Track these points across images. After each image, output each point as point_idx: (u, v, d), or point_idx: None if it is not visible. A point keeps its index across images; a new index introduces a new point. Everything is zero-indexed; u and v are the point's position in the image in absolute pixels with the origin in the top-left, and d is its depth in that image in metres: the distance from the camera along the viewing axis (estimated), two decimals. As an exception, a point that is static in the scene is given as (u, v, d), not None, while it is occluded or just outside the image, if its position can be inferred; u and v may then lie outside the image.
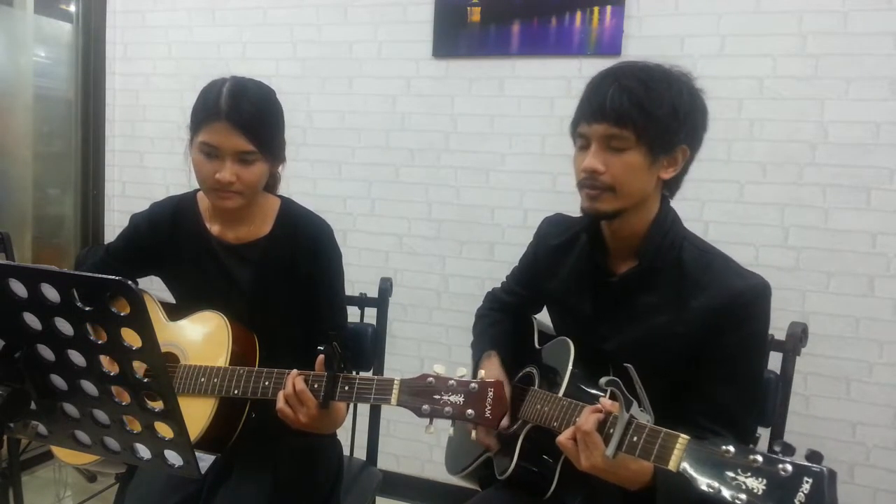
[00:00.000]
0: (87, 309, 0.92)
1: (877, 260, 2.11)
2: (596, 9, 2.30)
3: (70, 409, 1.03)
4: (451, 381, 1.16)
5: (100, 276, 0.91)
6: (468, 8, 2.44)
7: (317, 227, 1.51)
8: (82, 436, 1.05)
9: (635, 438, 0.98)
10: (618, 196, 1.20)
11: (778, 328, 1.28)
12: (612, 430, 1.01)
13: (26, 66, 2.85)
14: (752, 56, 2.17)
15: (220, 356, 1.37)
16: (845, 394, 2.16)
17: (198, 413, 1.32)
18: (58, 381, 1.00)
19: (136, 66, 3.01)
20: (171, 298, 1.58)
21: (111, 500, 1.58)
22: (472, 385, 1.15)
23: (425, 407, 1.16)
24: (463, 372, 1.17)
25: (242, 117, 1.34)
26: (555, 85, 2.39)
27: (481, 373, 1.21)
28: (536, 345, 1.50)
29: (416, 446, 2.67)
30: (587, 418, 1.06)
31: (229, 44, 2.83)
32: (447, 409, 1.15)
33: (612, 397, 1.03)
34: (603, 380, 1.00)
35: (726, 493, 0.83)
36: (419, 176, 2.60)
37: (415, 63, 2.56)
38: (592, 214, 1.24)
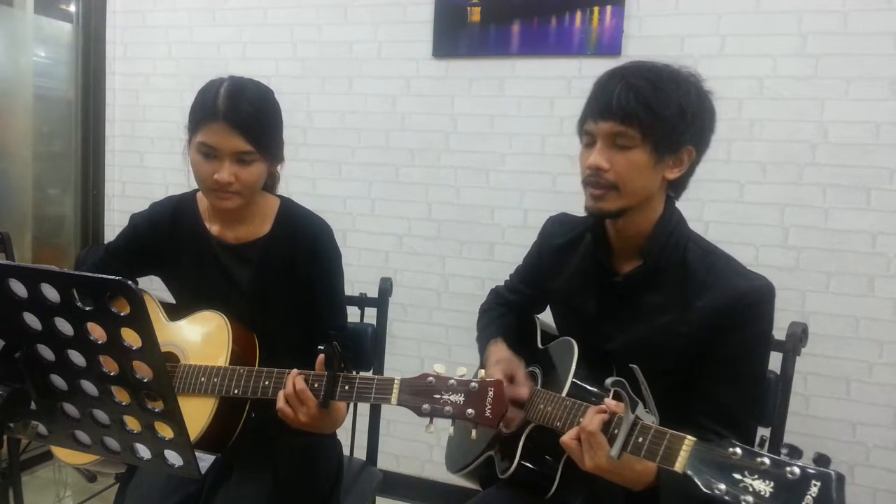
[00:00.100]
0: (87, 309, 0.92)
1: (877, 260, 2.11)
2: (596, 9, 2.30)
3: (70, 409, 1.03)
4: (452, 381, 1.16)
5: (100, 276, 0.91)
6: (468, 8, 2.44)
7: (317, 227, 1.51)
8: (82, 436, 1.05)
9: (640, 439, 0.98)
10: (621, 195, 1.20)
11: (778, 328, 1.28)
12: (616, 431, 1.01)
13: (26, 66, 2.85)
14: (752, 56, 2.17)
15: (219, 356, 1.37)
16: (845, 394, 2.16)
17: (198, 413, 1.32)
18: (58, 381, 1.00)
19: (136, 66, 3.01)
20: (171, 298, 1.58)
21: (111, 500, 1.58)
22: (473, 384, 1.15)
23: (425, 406, 1.16)
24: (463, 371, 1.17)
25: (240, 117, 1.34)
26: (555, 85, 2.39)
27: (481, 372, 1.22)
28: (539, 345, 1.50)
29: (416, 446, 2.67)
30: (592, 419, 1.06)
31: (229, 44, 2.83)
32: (447, 408, 1.15)
33: (616, 397, 1.03)
34: (609, 380, 1.00)
35: (733, 494, 0.82)
36: (419, 176, 2.60)
37: (415, 63, 2.56)
38: (596, 214, 1.24)
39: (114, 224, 3.07)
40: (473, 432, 1.22)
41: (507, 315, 1.59)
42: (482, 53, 2.46)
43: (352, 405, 1.38)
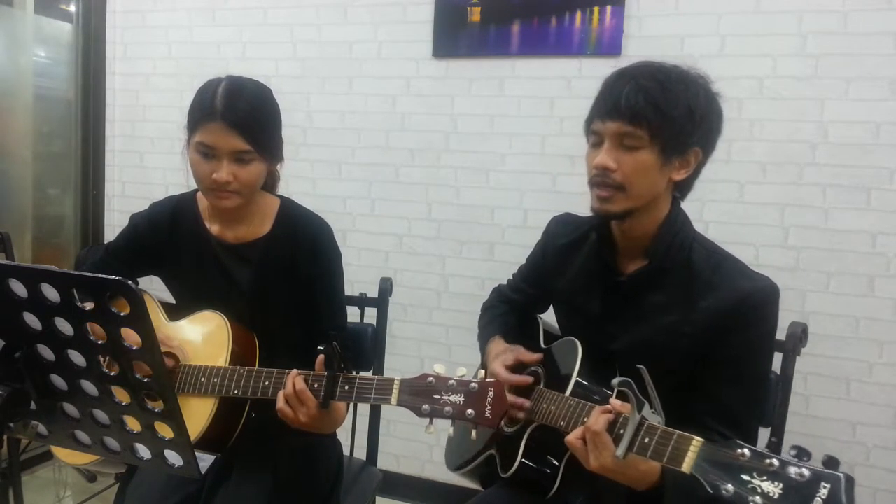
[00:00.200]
0: (87, 309, 0.92)
1: (877, 260, 2.11)
2: (596, 9, 2.30)
3: (70, 409, 1.03)
4: (451, 381, 1.16)
5: (100, 276, 0.91)
6: (468, 8, 2.44)
7: (317, 227, 1.51)
8: (82, 436, 1.05)
9: (647, 440, 0.98)
10: (628, 196, 1.19)
11: (778, 328, 1.28)
12: (622, 431, 1.01)
13: (26, 66, 2.85)
14: (752, 56, 2.17)
15: (220, 356, 1.37)
16: (845, 394, 2.16)
17: (198, 413, 1.32)
18: (58, 381, 1.00)
19: (136, 66, 3.01)
20: (171, 298, 1.58)
21: (111, 500, 1.58)
22: (473, 385, 1.15)
23: (425, 407, 1.16)
24: (463, 372, 1.17)
25: (238, 117, 1.34)
26: (555, 85, 2.39)
27: (481, 373, 1.21)
28: (542, 344, 1.50)
29: (416, 446, 2.67)
30: (597, 419, 1.06)
31: (229, 44, 2.83)
32: (447, 408, 1.15)
33: (621, 397, 1.03)
34: (615, 380, 1.00)
35: (741, 496, 0.82)
36: (419, 176, 2.60)
37: (415, 63, 2.56)
38: (603, 215, 1.24)
39: (114, 224, 3.07)
40: (473, 432, 1.22)
41: (508, 314, 1.59)
42: (482, 53, 2.46)
43: (352, 405, 1.38)
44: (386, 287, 1.82)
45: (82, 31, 2.99)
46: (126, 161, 3.07)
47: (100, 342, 0.94)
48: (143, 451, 1.03)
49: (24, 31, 2.85)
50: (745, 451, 0.84)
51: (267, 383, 1.32)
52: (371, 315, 1.82)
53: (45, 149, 2.99)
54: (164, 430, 1.00)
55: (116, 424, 1.01)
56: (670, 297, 1.25)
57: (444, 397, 1.16)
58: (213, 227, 1.50)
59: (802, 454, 0.81)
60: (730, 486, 0.84)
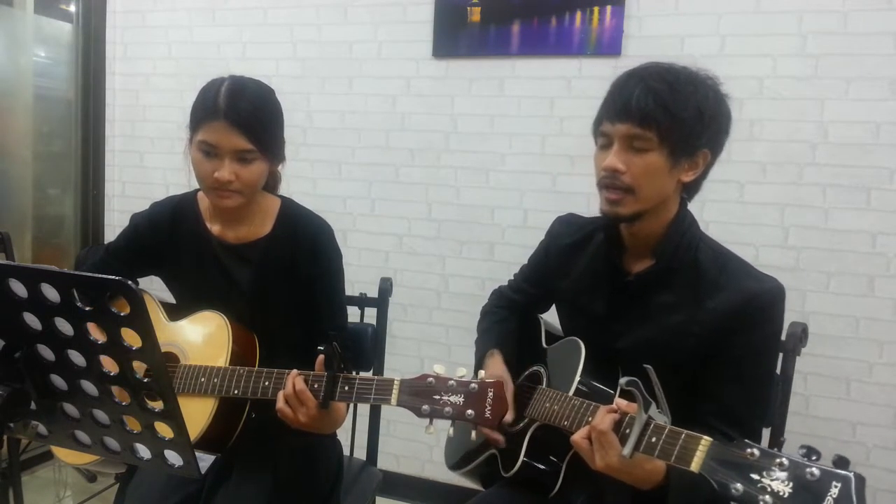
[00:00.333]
0: (87, 309, 0.92)
1: (877, 260, 2.11)
2: (596, 9, 2.30)
3: (70, 409, 1.02)
4: (451, 382, 1.16)
5: (100, 276, 0.91)
6: (468, 8, 2.44)
7: (317, 228, 1.51)
8: (82, 436, 1.05)
9: (654, 439, 0.98)
10: (637, 199, 1.20)
11: (779, 328, 1.28)
12: (628, 431, 1.01)
13: (26, 66, 2.85)
14: (752, 56, 2.17)
15: (220, 356, 1.37)
16: (845, 394, 2.16)
17: (198, 413, 1.32)
18: (58, 381, 1.00)
19: (136, 66, 3.01)
20: (171, 298, 1.58)
21: (111, 500, 1.58)
22: (472, 385, 1.15)
23: (425, 407, 1.16)
24: (463, 372, 1.17)
25: (241, 116, 1.34)
26: (555, 85, 2.39)
27: (481, 373, 1.21)
28: (544, 344, 1.50)
29: (416, 446, 2.67)
30: (603, 418, 1.06)
31: (229, 44, 2.83)
32: (447, 409, 1.15)
33: (627, 396, 1.02)
34: (623, 380, 0.99)
35: (751, 495, 0.82)
36: (419, 176, 2.60)
37: (415, 63, 2.56)
38: (612, 217, 1.24)
39: (114, 224, 3.07)
40: (473, 433, 1.22)
41: (508, 319, 1.58)
42: (482, 53, 2.46)
43: (352, 405, 1.38)
44: (386, 287, 1.82)
45: (82, 31, 2.99)
46: (126, 161, 3.07)
47: (100, 342, 0.94)
48: (143, 451, 1.03)
49: (24, 31, 2.85)
50: (755, 450, 0.84)
51: (267, 383, 1.32)
52: (371, 315, 1.82)
53: (45, 149, 2.99)
54: (164, 430, 1.00)
55: (116, 424, 1.01)
56: (677, 297, 1.25)
57: (443, 398, 1.16)
58: (214, 228, 1.50)
59: (811, 453, 0.81)
60: (739, 485, 0.84)
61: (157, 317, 1.49)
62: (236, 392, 1.33)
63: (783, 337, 1.42)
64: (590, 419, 1.12)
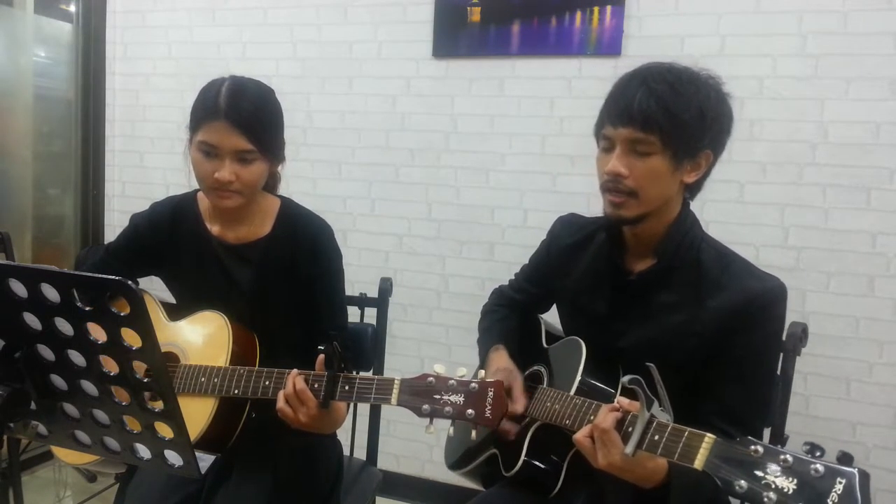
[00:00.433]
0: (87, 309, 0.92)
1: (877, 260, 2.11)
2: (596, 9, 2.30)
3: (70, 409, 1.02)
4: (452, 381, 1.16)
5: (100, 276, 0.91)
6: (468, 8, 2.44)
7: (317, 228, 1.51)
8: (82, 436, 1.05)
9: (657, 437, 0.98)
10: (640, 202, 1.20)
11: (779, 328, 1.28)
12: (630, 429, 1.01)
13: (26, 66, 2.85)
14: (752, 56, 2.17)
15: (220, 356, 1.37)
16: (845, 394, 2.16)
17: (198, 413, 1.32)
18: (58, 381, 1.00)
19: (136, 66, 3.01)
20: (171, 298, 1.58)
21: (111, 500, 1.58)
22: (473, 385, 1.15)
23: (425, 407, 1.16)
24: (463, 372, 1.17)
25: (241, 116, 1.34)
26: (555, 85, 2.39)
27: (481, 372, 1.21)
28: (544, 344, 1.50)
29: (416, 446, 2.67)
30: (605, 417, 1.06)
31: (229, 44, 2.83)
32: (447, 408, 1.15)
33: (629, 395, 1.02)
34: (626, 378, 0.99)
35: (755, 492, 0.82)
36: (419, 176, 2.60)
37: (415, 63, 2.56)
38: (616, 220, 1.24)
39: (114, 224, 3.07)
40: (473, 432, 1.22)
41: (509, 318, 1.58)
42: (482, 53, 2.46)
43: (352, 405, 1.38)
44: (386, 287, 1.82)
45: (82, 31, 2.99)
46: (126, 161, 3.07)
47: (100, 342, 0.94)
48: (143, 451, 1.03)
49: (24, 31, 2.85)
50: (759, 447, 0.84)
51: (267, 383, 1.32)
52: (371, 315, 1.82)
53: (45, 149, 2.99)
54: (164, 430, 1.00)
55: (116, 424, 1.01)
56: (679, 296, 1.25)
57: (444, 397, 1.16)
58: (214, 228, 1.50)
59: (815, 450, 0.81)
60: (743, 482, 0.84)
61: (157, 317, 1.49)
62: (236, 392, 1.33)
63: (783, 337, 1.42)
64: (592, 418, 1.12)
